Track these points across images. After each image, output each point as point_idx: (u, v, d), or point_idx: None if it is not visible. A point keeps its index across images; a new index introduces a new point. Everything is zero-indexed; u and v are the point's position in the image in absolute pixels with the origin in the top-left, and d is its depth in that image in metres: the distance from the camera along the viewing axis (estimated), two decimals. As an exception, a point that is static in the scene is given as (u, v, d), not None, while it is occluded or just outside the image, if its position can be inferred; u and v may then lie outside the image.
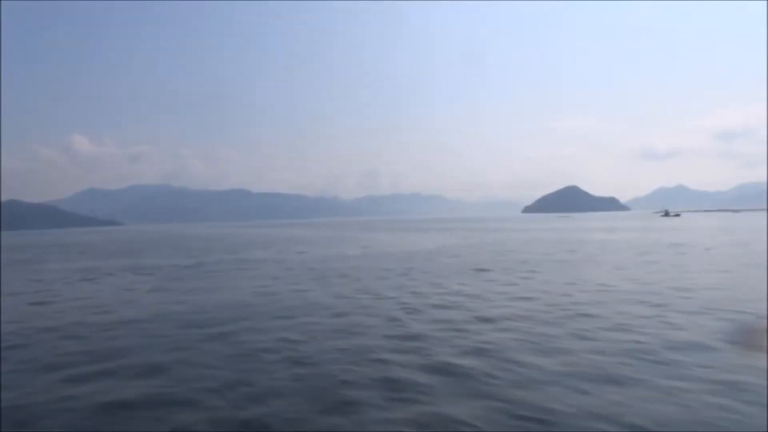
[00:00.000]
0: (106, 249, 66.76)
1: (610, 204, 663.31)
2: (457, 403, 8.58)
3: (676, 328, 13.51)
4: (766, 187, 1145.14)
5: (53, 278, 30.65)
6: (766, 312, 15.45)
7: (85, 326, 15.61)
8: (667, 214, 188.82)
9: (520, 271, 27.20)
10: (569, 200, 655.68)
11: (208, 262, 38.91)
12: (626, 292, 19.54)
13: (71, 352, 12.56)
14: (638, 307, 16.39)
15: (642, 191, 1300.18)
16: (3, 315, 18.13)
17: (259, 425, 8.00)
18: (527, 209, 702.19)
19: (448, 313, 16.16)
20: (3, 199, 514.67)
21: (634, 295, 18.60)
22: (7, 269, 39.05)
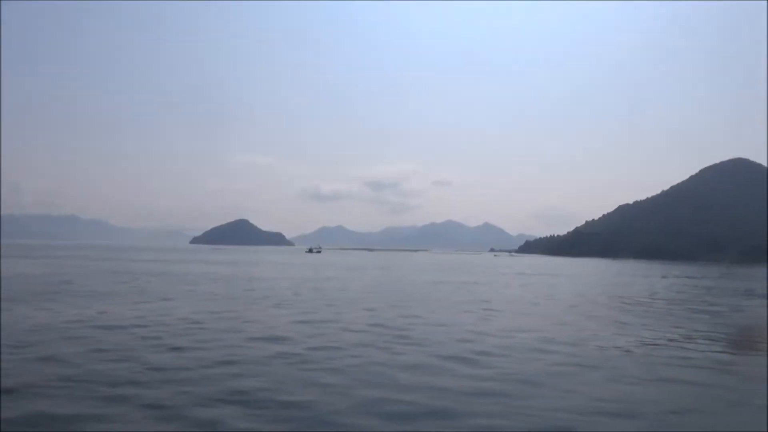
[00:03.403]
0: None
1: (276, 239, 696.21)
2: None
3: None
4: (406, 231, 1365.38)
5: None
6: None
7: None
8: (311, 250, 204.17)
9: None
10: (238, 233, 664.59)
11: None
12: None
13: None
14: None
15: (308, 229, 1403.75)
16: None
17: None
18: (196, 240, 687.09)
19: None
20: None
21: None
22: None
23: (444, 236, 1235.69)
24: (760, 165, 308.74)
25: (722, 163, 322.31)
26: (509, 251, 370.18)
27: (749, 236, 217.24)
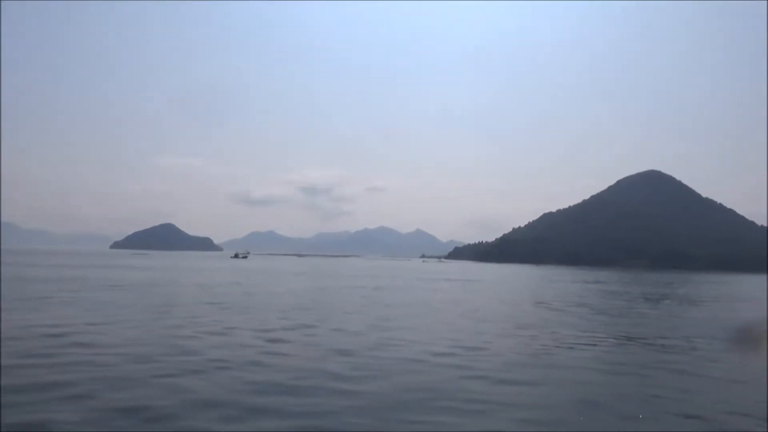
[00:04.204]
0: None
1: (204, 244, 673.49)
2: None
3: None
4: (338, 237, 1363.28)
5: None
6: None
7: None
8: (237, 255, 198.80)
9: None
10: (164, 237, 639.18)
11: None
12: None
13: None
14: None
15: (238, 234, 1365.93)
16: None
17: None
18: (117, 245, 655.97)
19: None
20: None
21: None
22: None
23: (377, 242, 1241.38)
24: (671, 177, 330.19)
25: (637, 175, 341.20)
26: (439, 257, 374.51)
27: (663, 243, 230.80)
